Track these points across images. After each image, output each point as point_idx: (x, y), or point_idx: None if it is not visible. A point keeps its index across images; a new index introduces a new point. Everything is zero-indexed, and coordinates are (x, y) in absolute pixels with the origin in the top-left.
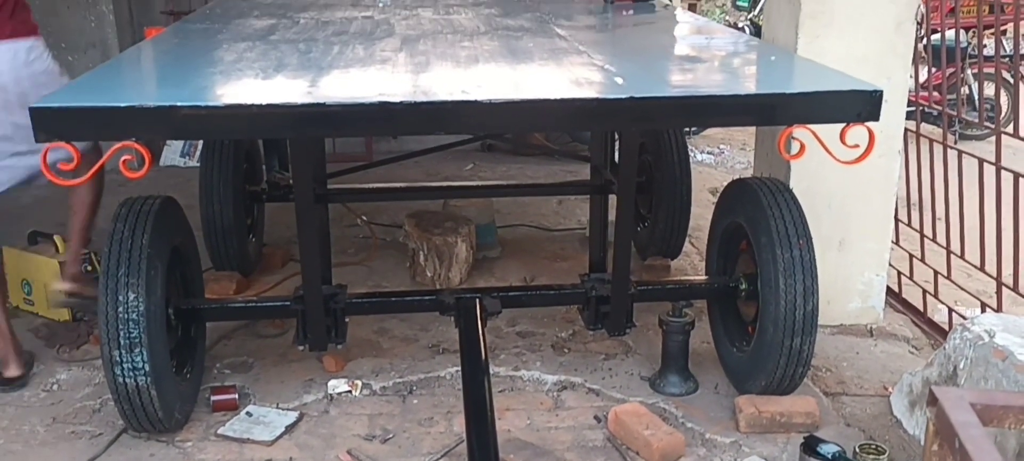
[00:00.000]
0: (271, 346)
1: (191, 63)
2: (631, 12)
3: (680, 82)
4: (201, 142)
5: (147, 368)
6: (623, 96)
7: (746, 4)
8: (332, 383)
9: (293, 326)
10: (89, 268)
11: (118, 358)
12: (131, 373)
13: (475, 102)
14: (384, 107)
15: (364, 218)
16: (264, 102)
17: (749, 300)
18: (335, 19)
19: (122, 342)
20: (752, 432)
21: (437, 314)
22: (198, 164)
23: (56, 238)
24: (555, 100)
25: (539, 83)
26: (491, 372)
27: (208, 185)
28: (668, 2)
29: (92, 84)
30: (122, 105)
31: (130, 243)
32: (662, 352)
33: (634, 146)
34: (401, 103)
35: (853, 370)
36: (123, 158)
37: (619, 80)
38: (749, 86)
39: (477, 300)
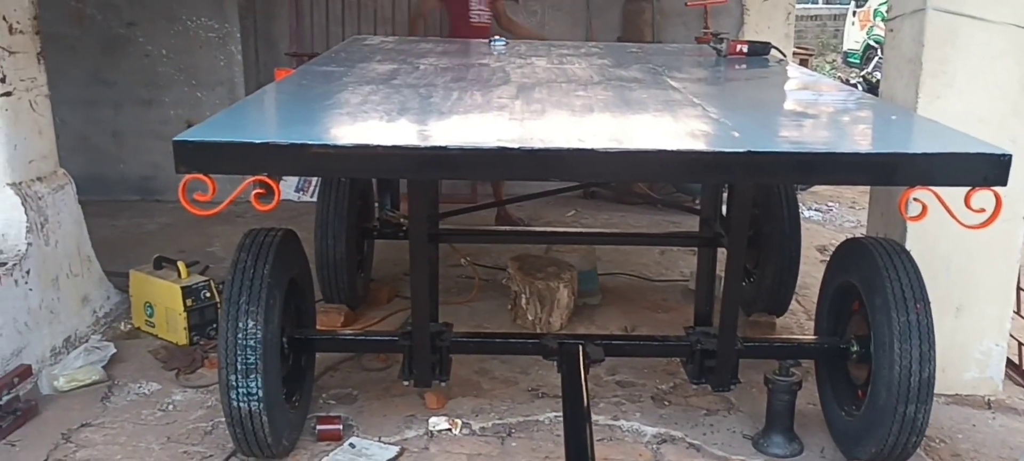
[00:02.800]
0: (375, 380)
1: (320, 104)
2: (744, 66)
3: (797, 137)
4: (316, 179)
5: (261, 394)
6: (740, 150)
7: (857, 61)
8: (433, 420)
9: (397, 361)
10: (208, 294)
11: (234, 382)
12: (245, 398)
13: (592, 151)
14: (502, 153)
15: (468, 259)
16: (389, 144)
17: (860, 363)
18: (453, 66)
19: (239, 367)
20: None
21: (538, 358)
22: (311, 199)
23: (180, 263)
24: (672, 151)
25: (655, 134)
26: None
27: (324, 220)
28: (781, 57)
29: (228, 122)
30: (257, 141)
31: (252, 272)
32: (767, 411)
33: (747, 200)
34: (519, 150)
35: (969, 443)
36: (254, 191)
37: (735, 133)
38: (869, 144)
39: (580, 346)
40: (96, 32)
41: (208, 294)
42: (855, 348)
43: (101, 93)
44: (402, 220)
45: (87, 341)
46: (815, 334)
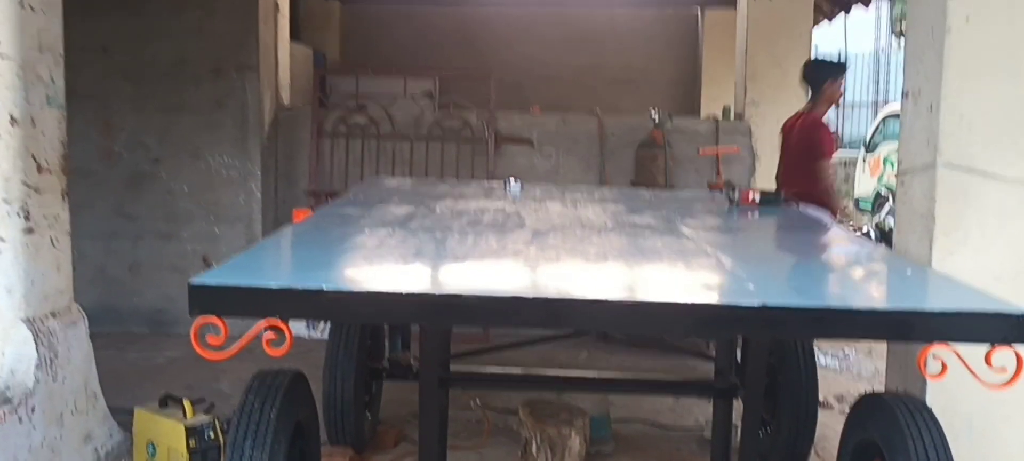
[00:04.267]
0: None
1: (336, 247)
2: (757, 214)
3: (812, 291)
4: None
5: None
6: (755, 304)
7: (869, 207)
8: None
9: None
10: (212, 435)
11: None
12: None
13: (606, 303)
14: (516, 302)
15: (478, 401)
16: (404, 292)
17: None
18: (469, 209)
19: None
20: None
21: None
22: (321, 337)
23: (185, 402)
24: (686, 305)
25: (669, 286)
26: None
27: (334, 361)
28: (793, 206)
29: (244, 264)
30: (272, 286)
31: (258, 416)
32: None
33: (762, 351)
34: (533, 299)
35: None
36: (266, 336)
37: (750, 286)
38: (885, 300)
39: None
40: (123, 168)
41: (212, 435)
42: None
43: (122, 226)
44: (412, 361)
45: None
46: None
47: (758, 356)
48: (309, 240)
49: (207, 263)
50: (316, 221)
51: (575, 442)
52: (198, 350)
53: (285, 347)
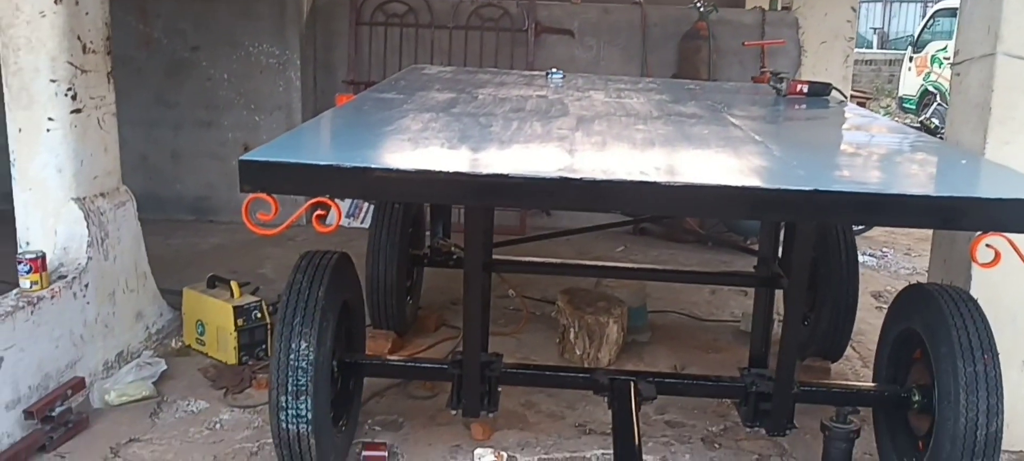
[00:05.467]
0: (421, 408)
1: (381, 129)
2: (804, 106)
3: (863, 178)
4: (367, 205)
5: (310, 417)
6: (806, 187)
7: (913, 107)
8: (478, 451)
9: (445, 390)
10: (258, 315)
11: (284, 404)
12: (294, 420)
13: (656, 185)
14: (564, 183)
15: (516, 290)
16: (451, 170)
17: (922, 413)
18: (511, 97)
19: (290, 389)
20: None
21: (585, 393)
22: (361, 225)
23: (233, 283)
24: (736, 188)
25: (718, 170)
26: None
27: (377, 246)
28: (842, 98)
29: (291, 143)
30: (322, 163)
31: (307, 294)
32: (822, 459)
33: (808, 240)
34: (581, 180)
35: None
36: (316, 213)
37: (801, 172)
38: (939, 187)
39: (632, 383)
40: (161, 56)
41: (259, 315)
42: (917, 398)
43: (163, 114)
44: (453, 248)
45: (139, 356)
46: (874, 381)
47: (804, 246)
48: (354, 122)
49: (247, 151)
50: (359, 105)
51: (613, 330)
52: (248, 225)
53: (335, 225)
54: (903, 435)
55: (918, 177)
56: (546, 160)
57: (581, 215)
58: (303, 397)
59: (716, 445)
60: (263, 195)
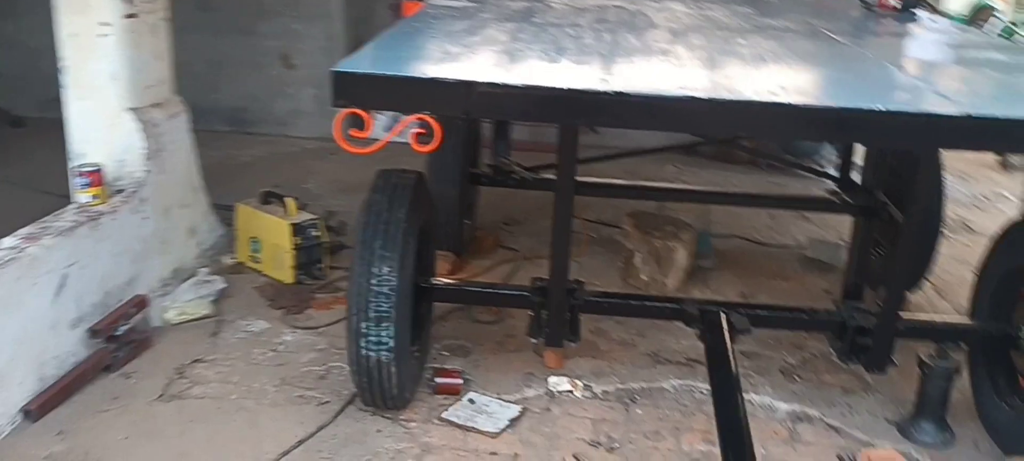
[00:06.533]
0: (487, 333)
1: (467, 40)
2: (895, 21)
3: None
4: (407, 118)
5: (391, 344)
6: (957, 113)
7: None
8: (553, 380)
9: (509, 314)
10: (316, 233)
11: (364, 330)
12: (375, 347)
13: (799, 107)
14: (693, 103)
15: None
16: (566, 87)
17: None
18: (588, 5)
19: (371, 315)
20: None
21: (654, 321)
22: (400, 140)
23: (288, 200)
24: (893, 113)
25: (857, 92)
26: None
27: (438, 164)
28: (932, 13)
29: (381, 54)
30: (423, 77)
31: (387, 216)
32: (918, 396)
33: (933, 169)
34: (711, 100)
35: None
36: (413, 131)
37: (944, 95)
38: None
39: (723, 315)
40: None
41: (316, 233)
42: None
43: (203, 19)
44: (516, 167)
45: (194, 273)
46: (971, 318)
47: (927, 176)
48: (437, 32)
49: (287, 60)
50: (433, 14)
51: (681, 256)
52: (341, 144)
53: (435, 143)
54: (1004, 375)
55: None
56: (663, 77)
57: (631, 134)
58: (385, 324)
59: (796, 378)
60: (358, 111)
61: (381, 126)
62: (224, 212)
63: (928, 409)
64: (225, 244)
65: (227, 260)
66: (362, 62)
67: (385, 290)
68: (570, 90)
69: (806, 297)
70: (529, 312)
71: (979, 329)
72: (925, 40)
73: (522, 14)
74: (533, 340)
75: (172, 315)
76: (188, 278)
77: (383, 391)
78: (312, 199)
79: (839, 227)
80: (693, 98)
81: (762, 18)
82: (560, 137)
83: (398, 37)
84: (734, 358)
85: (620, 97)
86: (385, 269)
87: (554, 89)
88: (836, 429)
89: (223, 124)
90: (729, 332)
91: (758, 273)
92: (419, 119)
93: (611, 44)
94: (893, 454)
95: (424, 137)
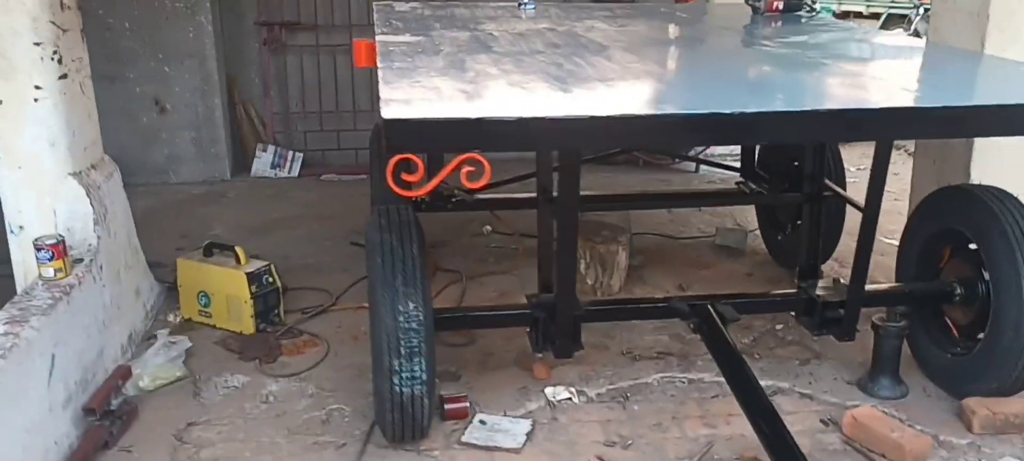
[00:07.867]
0: (464, 356)
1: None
2: (780, 23)
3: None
4: (292, 154)
5: (424, 377)
6: (937, 105)
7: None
8: (550, 390)
9: (480, 336)
10: (270, 279)
11: (397, 368)
12: (409, 382)
13: (810, 113)
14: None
15: (489, 228)
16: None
17: (964, 305)
18: (523, 31)
19: (402, 351)
20: (986, 433)
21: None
22: (288, 175)
23: (237, 249)
24: (896, 109)
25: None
26: (696, 380)
27: (382, 196)
28: (815, 12)
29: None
30: (476, 117)
31: (402, 252)
32: (874, 356)
33: (886, 159)
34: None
35: None
36: (465, 169)
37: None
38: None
39: (709, 307)
40: None
41: (270, 279)
42: (959, 291)
43: None
44: (456, 191)
45: (149, 336)
46: (897, 281)
47: (881, 165)
48: (425, 69)
49: (160, 106)
50: (398, 50)
51: (622, 257)
52: (394, 189)
53: (484, 180)
54: (938, 328)
55: (988, 89)
56: (668, 97)
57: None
58: (417, 358)
59: (755, 356)
60: (411, 156)
61: (266, 163)
62: (156, 269)
63: (884, 366)
64: (164, 302)
65: (173, 318)
66: (410, 108)
67: (413, 325)
68: (630, 117)
69: (732, 280)
70: (527, 328)
71: (921, 290)
72: (837, 41)
73: (481, 44)
74: (539, 354)
75: (147, 382)
76: (143, 341)
77: (414, 424)
78: (261, 245)
79: (735, 214)
80: (700, 116)
81: (685, 29)
82: (561, 160)
83: (395, 79)
84: (734, 344)
85: (653, 120)
86: (411, 305)
87: (611, 119)
88: (810, 397)
89: None
90: (722, 322)
91: (683, 264)
92: (470, 158)
93: (596, 69)
94: (872, 411)
95: (474, 175)
